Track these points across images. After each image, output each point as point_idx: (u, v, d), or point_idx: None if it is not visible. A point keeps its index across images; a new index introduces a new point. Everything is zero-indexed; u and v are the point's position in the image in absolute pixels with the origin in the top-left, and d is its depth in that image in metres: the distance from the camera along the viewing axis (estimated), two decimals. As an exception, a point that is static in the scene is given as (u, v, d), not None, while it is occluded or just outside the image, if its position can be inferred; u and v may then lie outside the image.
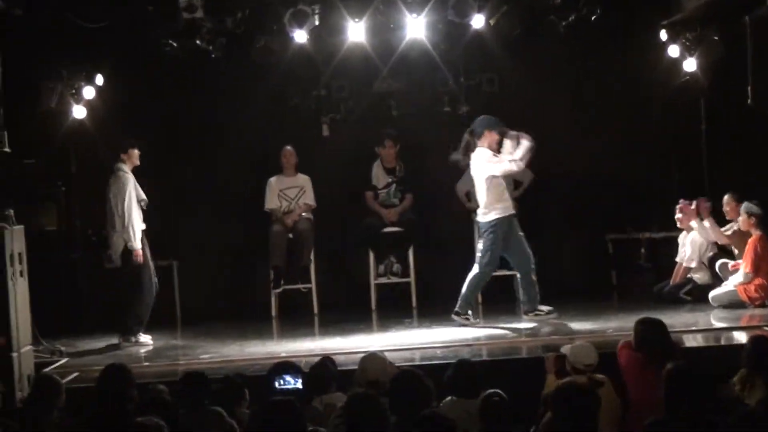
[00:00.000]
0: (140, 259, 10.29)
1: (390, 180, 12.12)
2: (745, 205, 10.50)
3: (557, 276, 12.17)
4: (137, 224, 10.31)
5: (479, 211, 10.36)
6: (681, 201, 10.97)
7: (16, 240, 8.68)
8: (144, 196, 10.43)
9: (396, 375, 6.45)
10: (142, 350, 10.19)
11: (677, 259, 11.22)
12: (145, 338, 10.42)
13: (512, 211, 10.32)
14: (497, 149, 10.31)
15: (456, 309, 10.29)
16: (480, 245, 10.36)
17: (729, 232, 10.87)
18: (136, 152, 10.50)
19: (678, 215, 11.05)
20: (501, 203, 10.23)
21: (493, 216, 10.18)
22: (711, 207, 10.95)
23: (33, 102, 10.98)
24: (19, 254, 8.70)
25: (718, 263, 10.79)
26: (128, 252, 10.29)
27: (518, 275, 10.64)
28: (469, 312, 10.36)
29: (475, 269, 10.31)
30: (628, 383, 7.24)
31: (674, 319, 9.64)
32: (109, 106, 11.65)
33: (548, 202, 12.34)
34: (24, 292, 8.80)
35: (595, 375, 7.03)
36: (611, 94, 12.10)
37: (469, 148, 10.37)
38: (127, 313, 10.39)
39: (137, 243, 10.29)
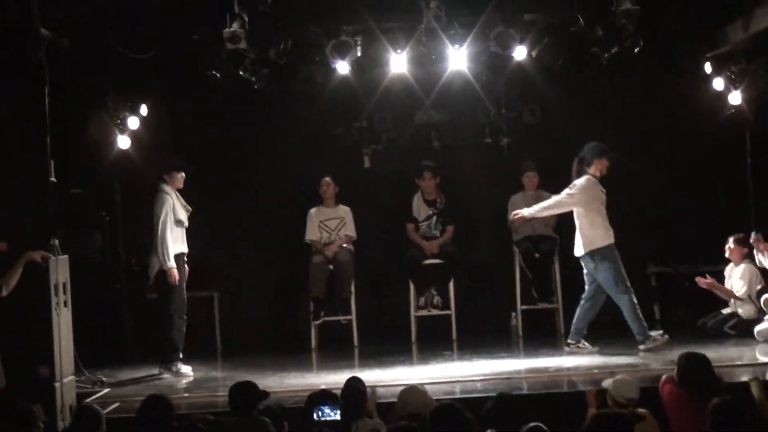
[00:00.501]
0: (174, 280, 10.31)
1: (431, 212, 12.11)
2: None
3: (603, 308, 12.08)
4: (171, 244, 10.33)
5: (583, 243, 10.31)
6: (753, 234, 10.84)
7: (61, 270, 8.73)
8: (182, 218, 10.45)
9: (436, 408, 6.41)
10: (183, 381, 10.20)
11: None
12: (185, 369, 10.44)
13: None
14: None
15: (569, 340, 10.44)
16: (602, 277, 10.28)
17: None
18: (180, 175, 10.56)
19: (729, 245, 10.96)
20: (609, 230, 10.27)
21: (604, 242, 10.18)
22: None
23: (79, 132, 11.10)
24: (64, 284, 8.75)
25: (764, 297, 10.67)
26: (162, 273, 10.32)
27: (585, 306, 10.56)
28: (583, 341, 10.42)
29: (621, 300, 10.24)
30: (670, 418, 7.17)
31: (718, 354, 9.55)
32: (153, 136, 11.76)
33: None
34: (67, 322, 8.84)
35: (636, 409, 6.95)
36: (655, 126, 12.05)
37: (580, 174, 10.34)
38: (162, 341, 10.41)
39: (170, 262, 10.30)
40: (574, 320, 10.52)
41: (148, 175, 11.01)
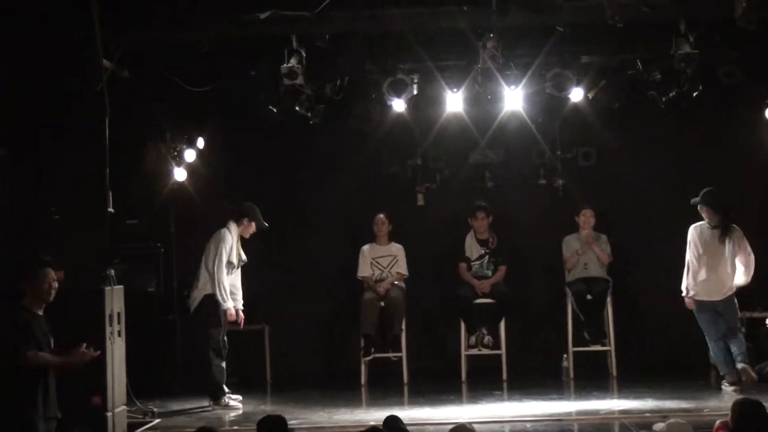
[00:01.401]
0: (232, 318, 10.40)
1: (483, 251, 12.07)
2: None
3: (651, 352, 12.00)
4: (227, 284, 10.40)
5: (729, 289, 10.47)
6: None
7: (116, 300, 8.82)
8: (234, 261, 10.52)
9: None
10: (232, 413, 10.21)
11: None
12: (234, 402, 10.45)
13: None
14: None
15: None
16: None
17: None
18: (253, 229, 10.64)
19: None
20: None
21: None
22: None
23: (137, 163, 11.22)
24: (118, 314, 8.83)
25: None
26: (206, 308, 10.34)
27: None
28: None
29: None
30: (725, 465, 7.06)
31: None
32: (209, 168, 11.86)
33: (644, 277, 12.17)
34: (121, 353, 8.91)
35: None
36: (713, 171, 11.94)
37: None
38: (210, 377, 10.45)
39: (229, 302, 10.39)
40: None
41: (207, 206, 11.07)
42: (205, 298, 10.41)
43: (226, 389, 10.50)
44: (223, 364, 10.48)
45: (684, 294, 10.52)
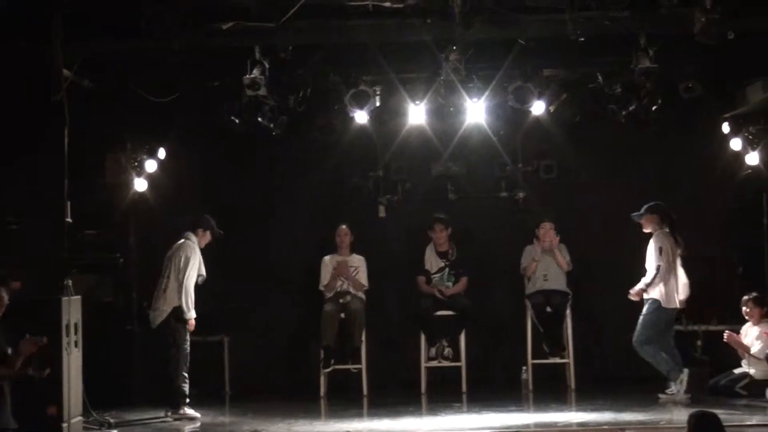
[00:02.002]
0: (192, 327, 10.38)
1: (443, 264, 12.09)
2: None
3: (612, 364, 12.06)
4: (192, 294, 10.38)
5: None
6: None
7: (73, 310, 8.76)
8: (204, 272, 10.52)
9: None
10: (188, 426, 10.16)
11: None
12: (191, 412, 10.41)
13: None
14: None
15: None
16: None
17: None
18: (208, 239, 10.62)
19: (746, 307, 10.93)
20: None
21: None
22: None
23: (97, 173, 11.16)
24: (75, 324, 8.78)
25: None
26: (174, 320, 10.32)
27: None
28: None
29: None
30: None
31: (729, 414, 9.49)
32: (170, 179, 11.81)
33: (604, 290, 12.24)
34: (78, 363, 8.86)
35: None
36: (671, 185, 12.05)
37: None
38: (171, 388, 10.41)
39: (192, 312, 10.36)
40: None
41: (168, 217, 11.04)
42: (174, 310, 10.36)
43: (188, 400, 10.46)
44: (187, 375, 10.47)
45: (635, 295, 10.64)
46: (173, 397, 10.37)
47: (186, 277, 10.32)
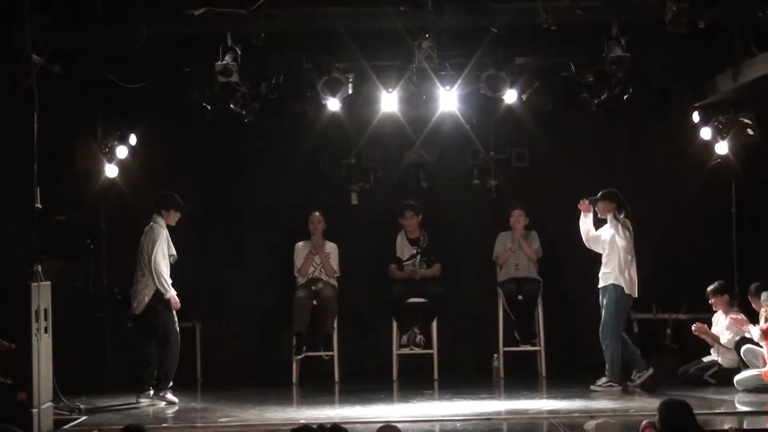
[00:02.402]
0: (177, 305, 10.34)
1: (414, 251, 12.11)
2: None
3: (580, 353, 12.11)
4: (166, 273, 10.34)
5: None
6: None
7: (43, 296, 8.73)
8: (174, 252, 10.49)
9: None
10: (169, 410, 10.16)
11: None
12: (171, 396, 10.40)
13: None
14: None
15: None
16: None
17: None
18: (177, 216, 10.58)
19: (710, 298, 11.00)
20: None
21: None
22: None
23: (67, 159, 11.10)
24: (45, 310, 8.74)
25: (743, 348, 10.67)
26: (156, 303, 10.29)
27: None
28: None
29: None
30: (650, 465, 7.15)
31: (698, 401, 9.57)
32: (142, 165, 11.77)
33: (575, 278, 12.30)
34: (47, 349, 8.82)
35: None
36: (642, 173, 12.11)
37: None
38: (160, 368, 10.40)
39: (171, 291, 10.35)
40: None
41: (139, 203, 10.99)
42: (154, 294, 10.34)
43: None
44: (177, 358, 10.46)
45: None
46: (160, 380, 10.37)
47: (154, 260, 10.29)
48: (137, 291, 10.42)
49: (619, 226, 10.61)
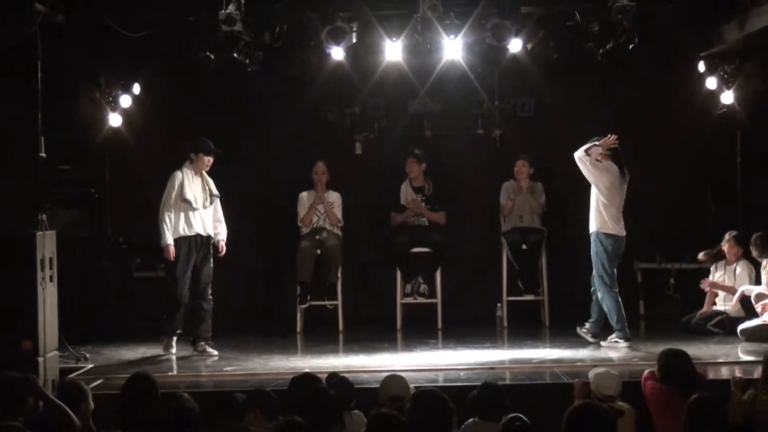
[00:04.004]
0: (170, 257, 10.22)
1: (419, 198, 12.10)
2: None
3: (584, 303, 12.12)
4: (169, 222, 10.22)
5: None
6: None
7: (48, 245, 8.74)
8: (190, 198, 10.28)
9: (417, 393, 6.41)
10: (166, 358, 10.21)
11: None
12: (174, 348, 10.42)
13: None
14: None
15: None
16: None
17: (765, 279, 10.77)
18: (204, 161, 10.37)
19: (728, 243, 10.93)
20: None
21: None
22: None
23: (71, 108, 11.09)
24: (50, 259, 8.76)
25: (754, 292, 10.67)
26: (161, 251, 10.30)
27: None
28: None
29: None
30: (652, 413, 7.22)
31: (701, 351, 9.62)
32: (145, 115, 11.76)
33: (578, 227, 12.30)
34: (53, 298, 8.85)
35: (615, 404, 7.00)
36: (647, 123, 12.08)
37: None
38: (165, 318, 10.41)
39: (166, 239, 10.19)
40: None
41: (143, 152, 10.97)
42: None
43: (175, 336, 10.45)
44: (182, 312, 10.40)
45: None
46: (163, 330, 10.41)
47: (162, 204, 10.24)
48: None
49: (587, 161, 10.23)
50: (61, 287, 8.98)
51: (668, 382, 7.14)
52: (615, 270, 10.30)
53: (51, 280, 8.78)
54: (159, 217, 10.23)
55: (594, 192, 10.31)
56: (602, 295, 10.28)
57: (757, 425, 6.66)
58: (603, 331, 10.42)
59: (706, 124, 12.04)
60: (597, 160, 10.18)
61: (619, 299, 10.31)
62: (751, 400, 6.98)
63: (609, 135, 10.14)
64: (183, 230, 10.32)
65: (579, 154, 10.20)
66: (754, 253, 10.81)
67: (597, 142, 10.16)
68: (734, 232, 11.01)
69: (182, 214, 10.30)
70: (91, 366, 9.60)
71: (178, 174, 10.32)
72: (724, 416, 5.63)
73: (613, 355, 9.85)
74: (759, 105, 11.59)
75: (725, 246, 11.01)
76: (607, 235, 10.27)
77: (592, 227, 10.35)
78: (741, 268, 10.99)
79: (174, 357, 10.29)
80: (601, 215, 10.28)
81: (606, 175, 10.22)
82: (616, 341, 10.26)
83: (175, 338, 10.41)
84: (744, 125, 11.98)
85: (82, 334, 10.44)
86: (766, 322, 10.37)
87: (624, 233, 10.28)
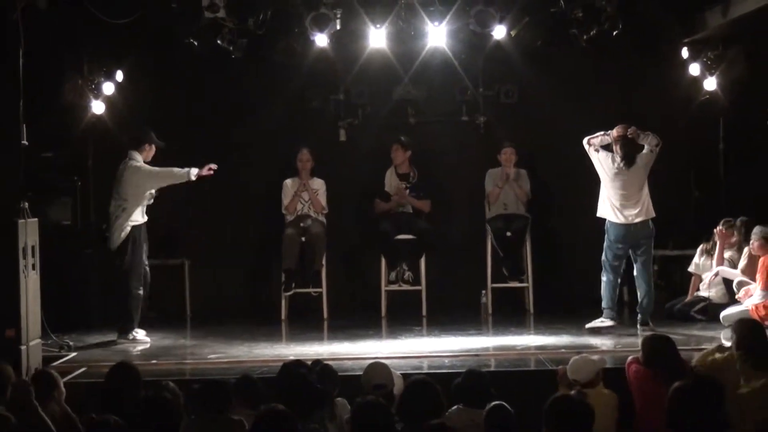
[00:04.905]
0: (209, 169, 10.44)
1: (403, 186, 12.09)
2: (760, 230, 10.43)
3: (568, 289, 12.17)
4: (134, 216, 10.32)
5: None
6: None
7: (30, 233, 8.71)
8: (153, 190, 10.43)
9: (410, 382, 6.44)
10: (139, 347, 10.17)
11: (690, 269, 11.24)
12: (141, 336, 10.39)
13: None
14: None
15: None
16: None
17: (744, 262, 10.78)
18: (153, 151, 10.52)
19: (723, 228, 10.95)
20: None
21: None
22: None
23: (53, 95, 11.03)
24: (32, 247, 8.74)
25: (736, 280, 10.70)
26: (126, 243, 10.28)
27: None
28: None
29: None
30: (635, 399, 7.24)
31: (684, 338, 9.64)
32: (128, 102, 11.71)
33: (563, 214, 12.34)
34: (35, 286, 8.83)
35: (597, 389, 7.06)
36: (631, 109, 12.06)
37: None
38: (121, 311, 10.39)
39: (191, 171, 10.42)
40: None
41: (122, 141, 10.94)
42: (133, 228, 10.32)
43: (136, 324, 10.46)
44: (140, 300, 10.42)
45: None
46: (122, 323, 10.37)
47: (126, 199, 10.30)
48: (113, 230, 10.35)
49: (590, 150, 10.45)
50: (44, 275, 8.95)
51: (652, 368, 7.16)
52: (617, 257, 10.36)
53: (33, 268, 8.76)
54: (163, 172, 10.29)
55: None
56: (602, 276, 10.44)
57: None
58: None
59: (689, 110, 12.06)
60: (597, 150, 10.35)
61: (614, 286, 10.42)
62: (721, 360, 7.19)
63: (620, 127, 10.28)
64: (141, 217, 10.37)
65: (585, 141, 10.43)
66: (736, 238, 10.84)
67: (606, 133, 10.34)
68: (731, 220, 11.00)
69: (143, 203, 10.35)
70: (74, 354, 9.58)
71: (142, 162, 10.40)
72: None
73: (596, 341, 9.86)
74: (741, 91, 11.60)
75: (723, 232, 10.98)
76: (606, 221, 10.42)
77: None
78: (730, 255, 11.00)
79: (146, 345, 10.26)
80: (601, 202, 10.45)
81: (601, 164, 10.39)
82: (602, 321, 10.32)
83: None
84: (727, 112, 12.01)
85: (66, 323, 10.41)
86: (748, 309, 10.42)
87: (624, 221, 10.30)
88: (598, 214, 10.45)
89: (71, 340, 9.95)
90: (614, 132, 10.28)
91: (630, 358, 7.56)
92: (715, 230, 10.97)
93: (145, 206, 10.42)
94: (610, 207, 10.36)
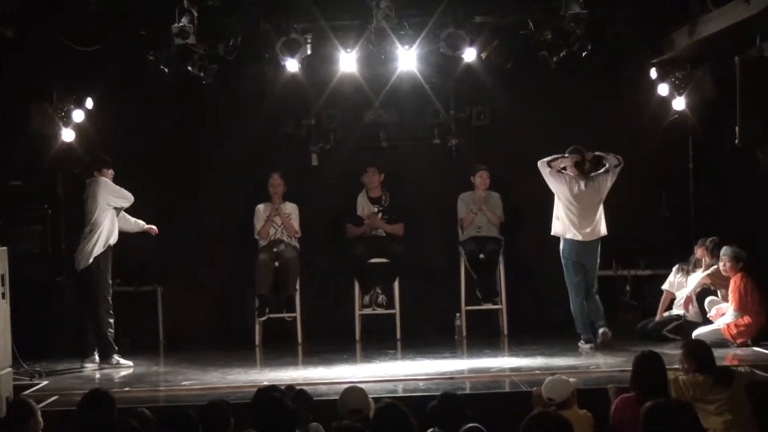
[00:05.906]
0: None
1: (375, 209, 12.10)
2: (728, 251, 10.50)
3: (542, 311, 12.18)
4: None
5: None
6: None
7: (0, 261, 8.65)
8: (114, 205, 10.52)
9: (381, 407, 6.40)
10: (122, 372, 10.14)
11: (664, 287, 11.28)
12: (123, 361, 10.39)
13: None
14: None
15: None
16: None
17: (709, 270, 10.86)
18: (110, 173, 10.57)
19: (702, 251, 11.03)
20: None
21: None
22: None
23: (22, 124, 10.98)
24: (2, 276, 8.68)
25: (707, 299, 10.77)
26: (102, 263, 10.26)
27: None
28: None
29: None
30: (614, 420, 7.16)
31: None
32: (99, 130, 11.67)
33: (535, 235, 12.35)
34: (5, 314, 8.78)
35: (572, 410, 7.03)
36: (601, 130, 12.13)
37: None
38: (96, 333, 10.37)
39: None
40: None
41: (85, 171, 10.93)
42: (101, 254, 10.31)
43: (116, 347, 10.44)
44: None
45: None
46: (102, 346, 10.36)
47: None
48: (81, 251, 10.38)
49: (548, 172, 10.76)
50: (14, 304, 8.89)
51: (639, 388, 7.09)
52: (576, 273, 10.60)
53: (3, 296, 8.70)
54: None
55: (555, 199, 10.58)
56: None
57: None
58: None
59: (658, 130, 12.12)
60: (559, 171, 10.54)
61: (582, 307, 10.58)
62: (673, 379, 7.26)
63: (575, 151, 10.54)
64: (112, 239, 10.40)
65: (542, 163, 10.60)
66: (707, 258, 10.91)
67: (565, 155, 10.53)
68: (715, 239, 11.02)
69: (108, 222, 10.40)
70: (46, 382, 9.52)
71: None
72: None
73: (571, 362, 9.87)
74: (710, 110, 11.68)
75: (702, 252, 11.05)
76: (561, 239, 10.61)
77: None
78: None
79: (130, 369, 10.21)
80: (555, 219, 10.70)
81: (559, 186, 10.65)
82: (581, 344, 10.49)
83: None
84: (696, 131, 12.08)
85: (37, 351, 10.34)
86: (719, 328, 10.47)
87: (581, 238, 10.44)
88: (553, 233, 10.70)
89: (42, 369, 9.88)
90: (573, 154, 10.47)
91: (611, 387, 7.56)
92: (695, 249, 11.07)
93: (115, 229, 10.39)
94: (567, 225, 10.59)
